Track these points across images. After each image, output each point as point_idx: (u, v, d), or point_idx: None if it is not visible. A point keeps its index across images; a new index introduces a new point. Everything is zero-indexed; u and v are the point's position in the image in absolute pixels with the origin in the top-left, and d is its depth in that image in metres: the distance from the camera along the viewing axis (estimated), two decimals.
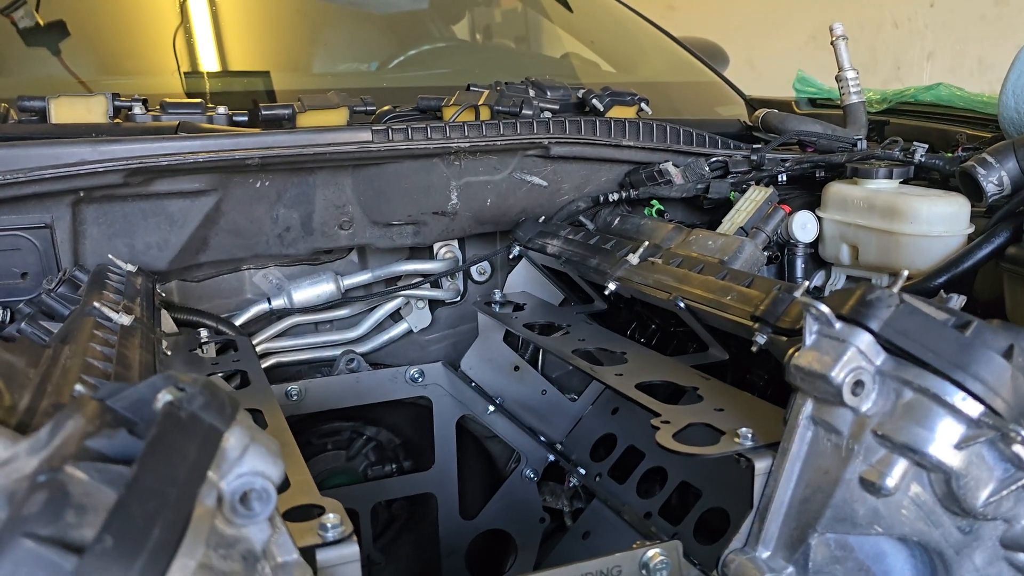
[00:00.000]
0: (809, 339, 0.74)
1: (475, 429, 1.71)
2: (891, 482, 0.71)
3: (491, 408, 1.58)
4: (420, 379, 1.57)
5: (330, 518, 0.68)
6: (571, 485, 1.63)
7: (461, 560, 1.64)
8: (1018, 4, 3.63)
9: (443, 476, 1.62)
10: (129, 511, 0.44)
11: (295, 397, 1.47)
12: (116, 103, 1.38)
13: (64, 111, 1.33)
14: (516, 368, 1.61)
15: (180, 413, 0.51)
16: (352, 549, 0.66)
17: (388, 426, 1.72)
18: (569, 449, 1.57)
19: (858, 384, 0.72)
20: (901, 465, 0.72)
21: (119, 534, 0.43)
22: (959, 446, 0.70)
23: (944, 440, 0.70)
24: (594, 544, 1.45)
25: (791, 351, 0.76)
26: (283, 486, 0.69)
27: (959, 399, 0.69)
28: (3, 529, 0.42)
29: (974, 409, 0.69)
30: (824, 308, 0.73)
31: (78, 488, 0.45)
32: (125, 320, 0.91)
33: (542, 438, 1.58)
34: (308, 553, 0.65)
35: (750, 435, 0.82)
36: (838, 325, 0.73)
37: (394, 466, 1.72)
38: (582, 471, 1.49)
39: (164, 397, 0.52)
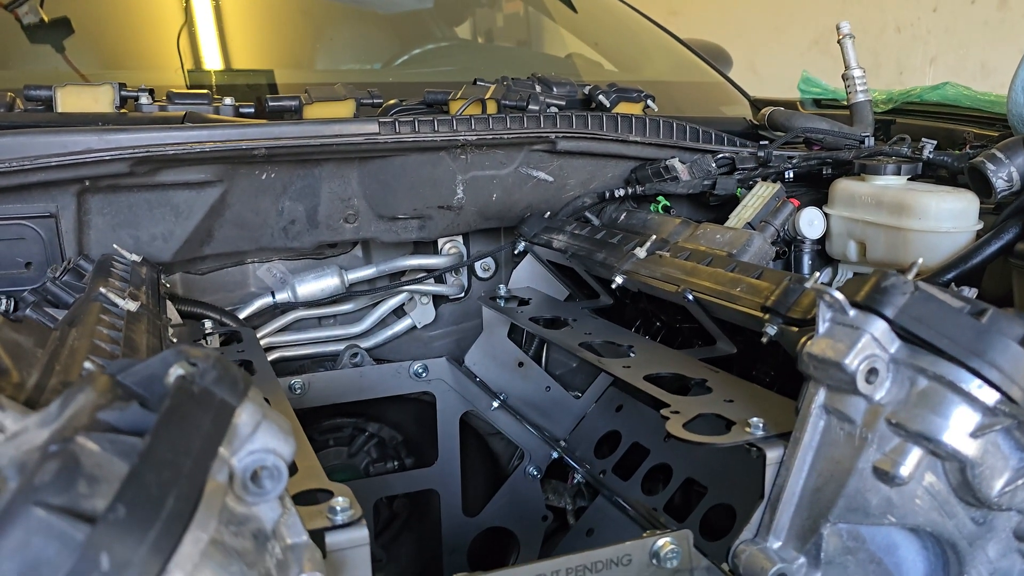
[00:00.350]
0: (822, 327, 0.74)
1: (478, 425, 1.70)
2: (905, 471, 0.71)
3: (495, 404, 1.57)
4: (424, 374, 1.57)
5: (339, 501, 0.67)
6: (575, 483, 1.62)
7: (463, 557, 1.63)
8: (1021, 9, 3.64)
9: (446, 472, 1.61)
10: (142, 481, 0.43)
11: (298, 391, 1.46)
12: (123, 93, 1.38)
13: (70, 100, 1.33)
14: (520, 364, 1.60)
15: (192, 387, 0.50)
16: (361, 532, 0.66)
17: (390, 423, 1.71)
18: (573, 446, 1.56)
19: (872, 372, 0.71)
20: (915, 454, 0.71)
21: (132, 504, 0.42)
22: (974, 434, 0.69)
23: (959, 428, 0.69)
24: (598, 542, 1.44)
25: (804, 339, 0.76)
26: (291, 470, 0.68)
27: (975, 387, 0.68)
28: (14, 498, 0.41)
29: (990, 397, 0.68)
30: (838, 295, 0.73)
31: (90, 458, 0.45)
32: (131, 306, 0.90)
33: (546, 435, 1.57)
34: (317, 536, 0.64)
35: (761, 425, 0.82)
36: (852, 312, 0.72)
37: (396, 463, 1.71)
38: (587, 466, 1.48)
39: (176, 371, 0.52)
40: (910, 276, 0.73)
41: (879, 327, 0.71)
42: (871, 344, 0.71)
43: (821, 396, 0.76)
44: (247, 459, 0.53)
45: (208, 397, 0.50)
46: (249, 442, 0.53)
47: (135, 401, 0.50)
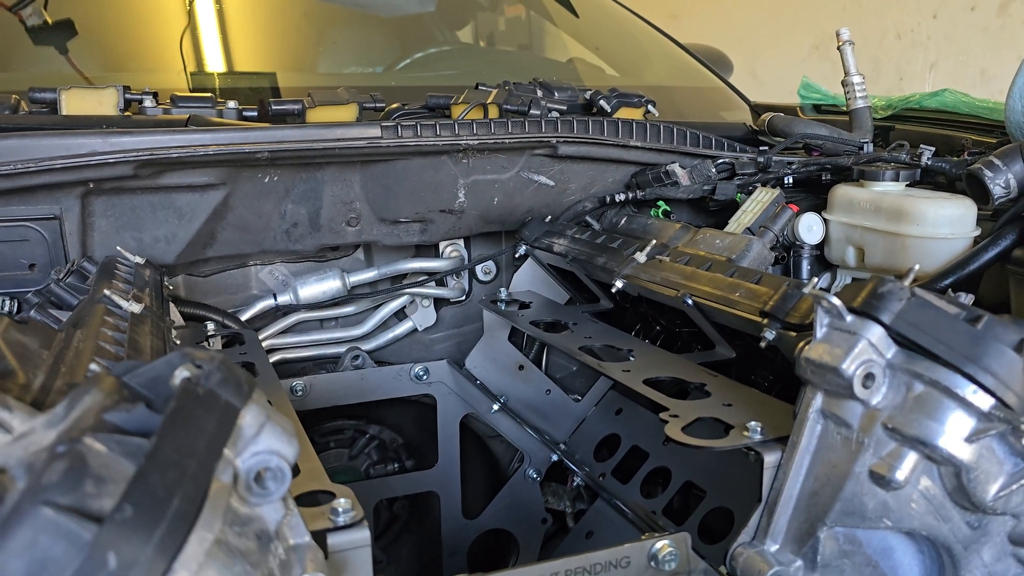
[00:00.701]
0: (820, 332, 0.75)
1: (478, 428, 1.71)
2: (901, 475, 0.71)
3: (495, 407, 1.58)
4: (425, 377, 1.57)
5: (341, 503, 0.68)
6: (574, 486, 1.63)
7: (463, 559, 1.64)
8: (1021, 16, 3.65)
9: (446, 475, 1.62)
10: (149, 481, 0.44)
11: (300, 393, 1.47)
12: (127, 96, 1.39)
13: (75, 103, 1.34)
14: (520, 367, 1.61)
15: (198, 389, 0.51)
16: (363, 534, 0.66)
17: (391, 425, 1.72)
18: (573, 449, 1.56)
19: (869, 377, 0.72)
20: (911, 458, 0.72)
21: (138, 504, 0.43)
22: (969, 439, 0.70)
23: (954, 433, 0.70)
24: (597, 544, 1.44)
25: (801, 344, 0.77)
26: (294, 472, 0.69)
27: (970, 392, 0.69)
28: (22, 498, 0.42)
29: (985, 402, 0.69)
30: (835, 301, 0.73)
31: (97, 459, 0.45)
32: (135, 308, 0.91)
33: (546, 438, 1.58)
34: (319, 537, 0.65)
35: (759, 429, 0.82)
36: (849, 318, 0.73)
37: (396, 465, 1.72)
38: (587, 469, 1.49)
39: (181, 373, 0.52)
40: (907, 282, 0.74)
41: (876, 332, 0.72)
42: (868, 349, 0.72)
43: (818, 400, 0.77)
44: (251, 460, 0.54)
45: (213, 399, 0.51)
46: (253, 444, 0.54)
47: (141, 403, 0.51)
